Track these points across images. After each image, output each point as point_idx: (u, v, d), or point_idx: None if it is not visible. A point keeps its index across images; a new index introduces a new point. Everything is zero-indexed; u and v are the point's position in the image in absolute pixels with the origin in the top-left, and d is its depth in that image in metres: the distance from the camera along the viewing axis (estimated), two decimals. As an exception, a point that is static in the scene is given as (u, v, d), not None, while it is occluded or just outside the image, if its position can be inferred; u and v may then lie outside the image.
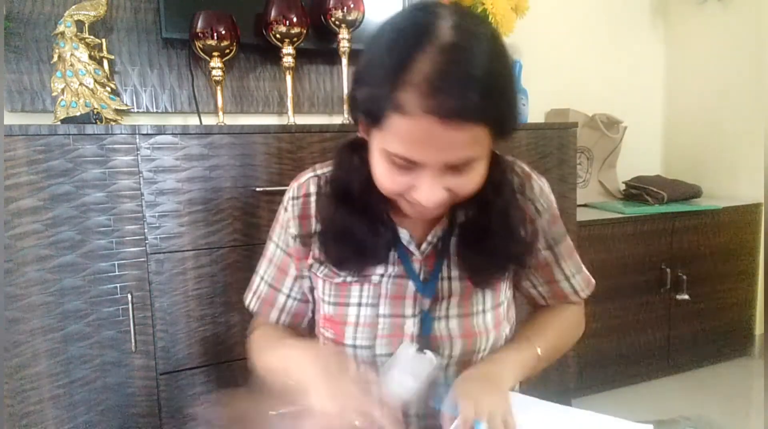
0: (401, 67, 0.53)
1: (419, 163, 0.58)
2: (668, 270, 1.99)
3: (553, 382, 1.74)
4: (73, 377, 1.18)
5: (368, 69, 0.58)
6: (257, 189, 1.28)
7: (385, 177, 0.61)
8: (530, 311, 0.89)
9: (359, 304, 0.74)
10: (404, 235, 0.73)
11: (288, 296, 0.81)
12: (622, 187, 2.28)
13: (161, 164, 1.21)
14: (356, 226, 0.70)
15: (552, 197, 0.79)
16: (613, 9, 2.37)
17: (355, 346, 0.73)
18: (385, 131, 0.57)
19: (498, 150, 0.69)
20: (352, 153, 0.70)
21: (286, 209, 0.78)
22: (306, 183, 0.77)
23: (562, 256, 0.81)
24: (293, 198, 0.77)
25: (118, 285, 1.20)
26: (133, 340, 1.21)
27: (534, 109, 2.03)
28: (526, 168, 0.79)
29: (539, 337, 0.77)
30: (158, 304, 1.23)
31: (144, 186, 1.20)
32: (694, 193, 2.15)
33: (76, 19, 1.36)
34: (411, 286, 0.73)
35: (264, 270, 0.82)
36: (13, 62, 1.43)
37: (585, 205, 2.14)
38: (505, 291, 0.78)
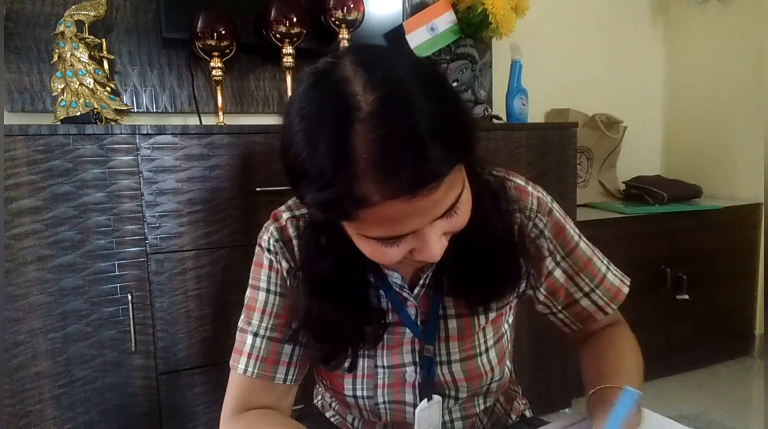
0: (341, 160, 0.46)
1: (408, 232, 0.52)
2: (668, 270, 1.99)
3: (554, 382, 1.74)
4: (73, 377, 1.17)
5: (303, 165, 0.49)
6: (257, 189, 1.28)
7: (376, 256, 0.55)
8: (581, 343, 0.78)
9: (356, 356, 0.69)
10: (396, 278, 0.67)
11: (296, 344, 0.70)
12: (622, 187, 2.28)
13: (161, 164, 1.21)
14: (341, 317, 0.63)
15: (552, 206, 0.72)
16: (613, 9, 2.37)
17: (355, 396, 0.70)
18: (355, 222, 0.51)
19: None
20: (317, 234, 0.62)
21: (269, 250, 0.69)
22: (286, 226, 0.68)
23: (576, 268, 0.73)
24: (276, 240, 0.68)
25: (118, 285, 1.20)
26: (133, 340, 1.21)
27: (534, 109, 2.03)
28: (519, 181, 0.71)
29: (627, 380, 0.66)
30: (158, 304, 1.23)
31: (144, 186, 1.20)
32: (694, 193, 2.15)
33: (76, 19, 1.36)
34: (408, 332, 0.68)
35: (257, 324, 0.68)
36: (13, 62, 1.43)
37: (585, 205, 2.14)
38: (505, 321, 0.74)
